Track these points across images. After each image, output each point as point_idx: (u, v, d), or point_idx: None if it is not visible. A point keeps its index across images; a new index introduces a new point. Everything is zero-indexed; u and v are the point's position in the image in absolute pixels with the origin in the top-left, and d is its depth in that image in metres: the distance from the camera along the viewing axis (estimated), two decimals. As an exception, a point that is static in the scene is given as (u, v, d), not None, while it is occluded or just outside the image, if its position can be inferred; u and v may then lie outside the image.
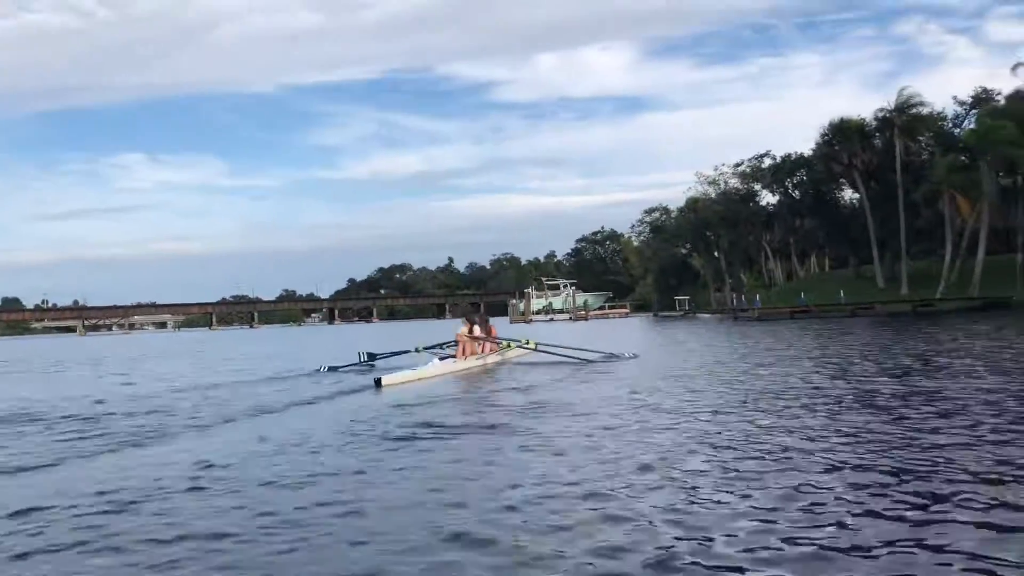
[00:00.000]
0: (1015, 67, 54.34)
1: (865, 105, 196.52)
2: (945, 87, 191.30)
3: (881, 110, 63.34)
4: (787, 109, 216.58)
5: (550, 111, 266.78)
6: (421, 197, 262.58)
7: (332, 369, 19.76)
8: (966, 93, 65.67)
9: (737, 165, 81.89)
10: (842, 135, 64.77)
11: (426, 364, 17.70)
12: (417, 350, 21.08)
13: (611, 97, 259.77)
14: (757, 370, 16.01)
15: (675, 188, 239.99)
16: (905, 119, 61.97)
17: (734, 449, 7.52)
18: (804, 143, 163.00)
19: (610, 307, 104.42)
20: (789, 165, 76.03)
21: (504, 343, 20.93)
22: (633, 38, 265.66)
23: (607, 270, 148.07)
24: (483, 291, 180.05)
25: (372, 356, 21.00)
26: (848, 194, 75.46)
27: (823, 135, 66.66)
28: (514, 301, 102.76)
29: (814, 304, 55.72)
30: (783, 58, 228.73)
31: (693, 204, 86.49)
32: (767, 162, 79.26)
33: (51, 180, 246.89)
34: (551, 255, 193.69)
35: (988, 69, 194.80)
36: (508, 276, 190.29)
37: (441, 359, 18.84)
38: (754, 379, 14.15)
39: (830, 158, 65.96)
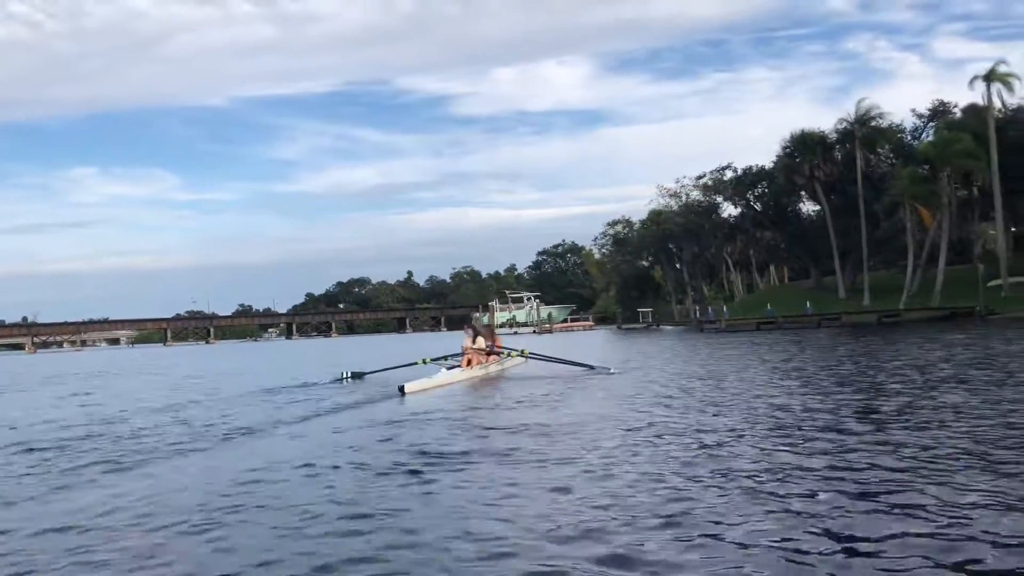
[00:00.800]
0: (972, 81, 55.16)
1: (816, 119, 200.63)
2: (895, 102, 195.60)
3: (842, 121, 64.10)
4: (741, 123, 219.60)
5: (508, 125, 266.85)
6: (379, 211, 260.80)
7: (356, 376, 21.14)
8: (922, 107, 66.92)
9: (699, 177, 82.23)
10: (803, 147, 65.31)
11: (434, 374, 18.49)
12: (424, 362, 21.59)
13: (568, 111, 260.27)
14: (753, 389, 15.59)
15: (632, 202, 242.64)
16: (865, 131, 62.68)
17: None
18: (758, 157, 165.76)
19: (573, 320, 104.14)
20: (750, 177, 76.50)
21: (506, 352, 22.02)
22: (590, 53, 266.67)
23: (569, 283, 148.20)
24: (444, 305, 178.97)
25: (358, 374, 21.52)
26: (808, 206, 76.17)
27: (784, 147, 67.22)
28: (477, 315, 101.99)
29: (781, 316, 55.83)
30: (736, 73, 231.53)
31: (656, 217, 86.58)
32: (728, 174, 79.62)
33: (1, 194, 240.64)
34: (511, 268, 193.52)
35: (936, 84, 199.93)
36: (469, 290, 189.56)
37: (448, 369, 19.65)
38: (753, 399, 13.71)
39: (792, 170, 66.42)
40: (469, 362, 20.07)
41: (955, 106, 63.51)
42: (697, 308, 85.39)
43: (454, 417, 12.28)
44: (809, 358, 22.60)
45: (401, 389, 16.31)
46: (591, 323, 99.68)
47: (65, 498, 7.42)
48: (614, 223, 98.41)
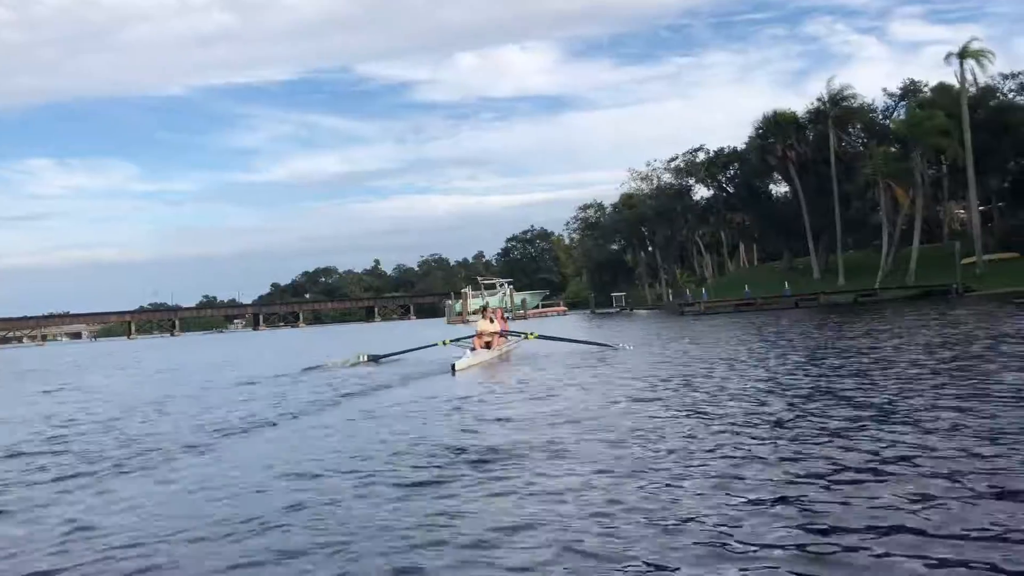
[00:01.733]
0: (947, 57, 55.14)
1: (778, 103, 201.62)
2: (855, 85, 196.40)
3: (818, 99, 63.89)
4: (704, 107, 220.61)
5: (471, 111, 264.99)
6: (343, 199, 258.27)
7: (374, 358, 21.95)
8: (881, 88, 67.10)
9: (672, 160, 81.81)
10: (776, 128, 65.01)
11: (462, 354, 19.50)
12: (444, 343, 22.86)
13: (532, 97, 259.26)
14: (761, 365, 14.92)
15: (597, 187, 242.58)
16: (838, 111, 62.50)
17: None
18: (721, 140, 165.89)
19: (545, 305, 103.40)
20: (723, 159, 76.18)
21: (524, 335, 24.07)
22: (552, 38, 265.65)
23: (538, 268, 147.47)
24: (412, 293, 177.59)
25: (374, 357, 22.28)
26: (778, 188, 76.06)
27: (757, 128, 66.92)
28: (450, 302, 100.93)
29: (760, 297, 55.56)
30: (698, 57, 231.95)
31: (627, 200, 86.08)
32: (701, 156, 79.18)
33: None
34: (479, 255, 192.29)
35: (894, 67, 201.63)
36: (437, 277, 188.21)
37: (471, 350, 20.58)
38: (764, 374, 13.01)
39: (765, 151, 66.11)
40: (488, 344, 21.13)
41: (925, 85, 63.63)
42: (670, 291, 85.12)
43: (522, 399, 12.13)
44: (825, 337, 22.06)
45: (453, 368, 17.30)
46: (564, 308, 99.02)
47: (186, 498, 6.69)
48: (586, 207, 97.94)
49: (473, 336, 21.84)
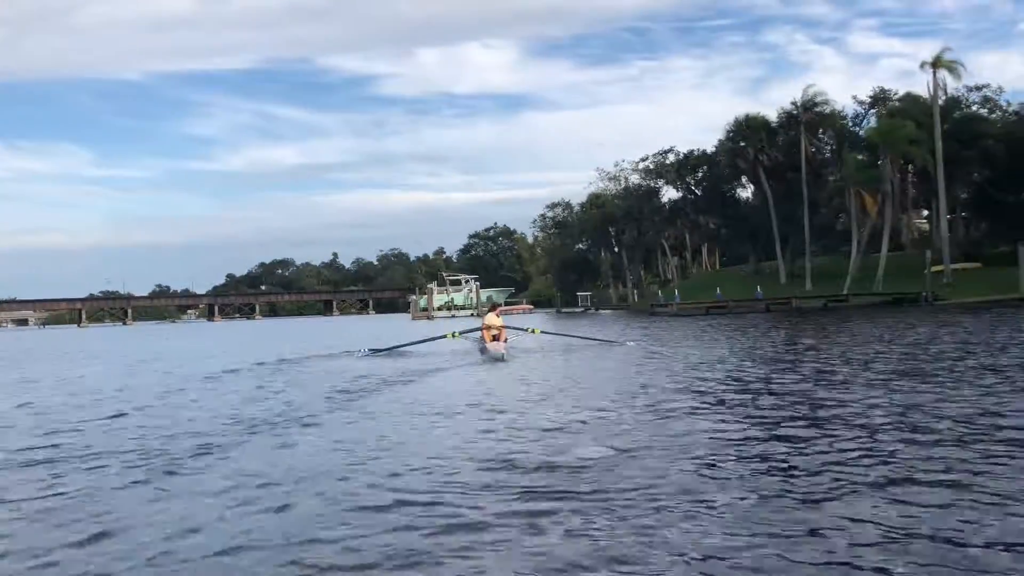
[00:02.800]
0: (922, 65, 55.48)
1: (736, 110, 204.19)
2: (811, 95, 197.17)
3: (792, 103, 64.03)
4: (664, 111, 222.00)
5: (432, 107, 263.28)
6: (301, 191, 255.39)
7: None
8: (847, 97, 67.59)
9: (642, 160, 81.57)
10: (748, 131, 65.03)
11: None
12: (454, 335, 24.46)
13: (494, 95, 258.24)
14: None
15: (558, 187, 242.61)
16: (809, 116, 62.74)
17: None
18: (683, 145, 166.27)
19: (509, 303, 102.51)
20: (692, 161, 76.12)
21: (529, 329, 25.62)
22: (514, 37, 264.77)
23: (500, 266, 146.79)
24: (371, 287, 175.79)
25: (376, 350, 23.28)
26: (745, 192, 76.22)
27: (728, 132, 66.92)
28: (413, 297, 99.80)
29: (732, 300, 55.43)
30: (660, 61, 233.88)
31: (595, 200, 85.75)
32: (671, 158, 79.04)
33: None
34: (440, 251, 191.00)
35: (850, 78, 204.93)
36: (397, 272, 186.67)
37: (477, 342, 22.58)
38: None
39: (736, 154, 66.08)
40: (495, 337, 21.83)
41: (895, 94, 64.22)
42: (636, 292, 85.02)
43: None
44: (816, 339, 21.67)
45: (502, 357, 18.96)
46: (531, 306, 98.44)
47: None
48: (553, 206, 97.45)
49: (480, 329, 22.77)
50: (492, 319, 23.01)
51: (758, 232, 70.23)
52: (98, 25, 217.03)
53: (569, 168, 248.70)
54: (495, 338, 21.95)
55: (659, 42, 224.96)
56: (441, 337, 24.44)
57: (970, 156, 58.17)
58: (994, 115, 63.41)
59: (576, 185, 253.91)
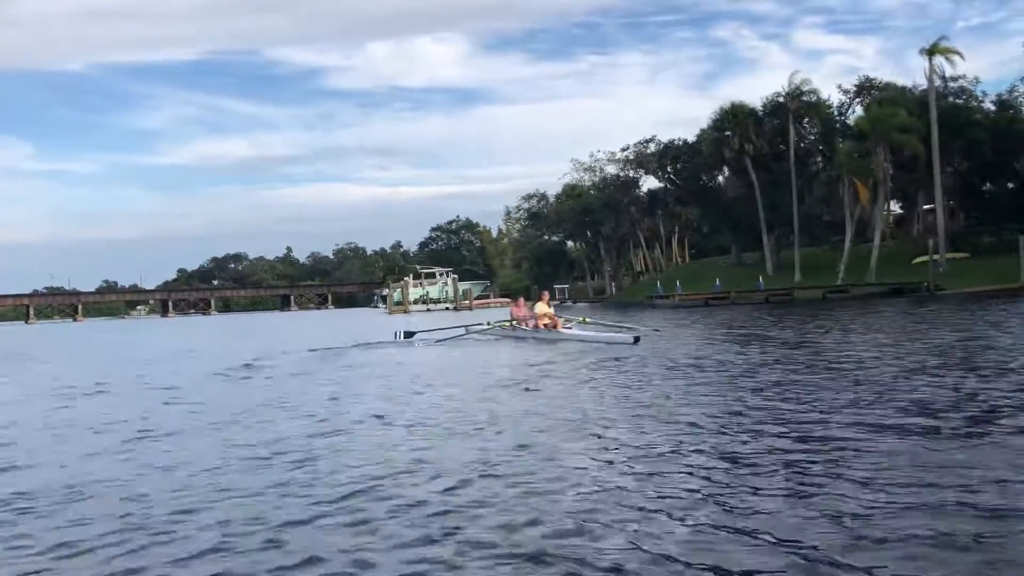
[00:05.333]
0: (922, 51, 54.86)
1: (685, 105, 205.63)
2: (760, 90, 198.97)
3: (777, 94, 63.19)
4: (615, 106, 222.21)
5: (383, 100, 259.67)
6: (251, 185, 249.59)
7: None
8: (850, 82, 66.92)
9: (624, 149, 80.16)
10: (734, 120, 63.96)
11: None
12: (489, 324, 24.78)
13: (445, 89, 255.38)
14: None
15: (511, 181, 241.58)
16: (797, 105, 61.92)
17: None
18: (632, 139, 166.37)
19: (483, 297, 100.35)
20: (673, 151, 74.95)
21: (581, 319, 25.13)
22: (465, 30, 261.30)
23: (463, 259, 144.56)
24: (329, 282, 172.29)
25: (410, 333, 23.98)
26: (726, 181, 75.16)
27: (714, 120, 65.82)
28: (387, 291, 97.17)
29: (734, 291, 54.24)
30: (610, 56, 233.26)
31: (571, 191, 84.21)
32: (652, 148, 77.79)
33: None
34: (397, 245, 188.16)
35: (798, 74, 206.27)
36: (354, 266, 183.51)
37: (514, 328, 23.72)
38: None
39: (721, 143, 64.97)
40: (547, 325, 22.45)
41: (881, 82, 63.71)
42: (613, 284, 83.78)
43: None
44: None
45: (637, 340, 18.64)
46: (509, 300, 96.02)
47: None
48: (529, 197, 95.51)
49: (508, 322, 24.23)
50: (542, 308, 23.47)
51: (741, 223, 69.34)
52: (38, 15, 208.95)
53: (522, 162, 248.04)
54: (547, 326, 22.47)
55: (609, 37, 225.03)
56: (477, 325, 24.92)
57: (956, 146, 57.98)
58: (971, 105, 63.22)
59: (530, 179, 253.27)
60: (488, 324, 25.07)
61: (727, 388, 10.48)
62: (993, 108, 62.27)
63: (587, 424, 8.16)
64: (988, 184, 62.22)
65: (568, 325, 23.16)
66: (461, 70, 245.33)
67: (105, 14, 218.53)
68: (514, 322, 24.38)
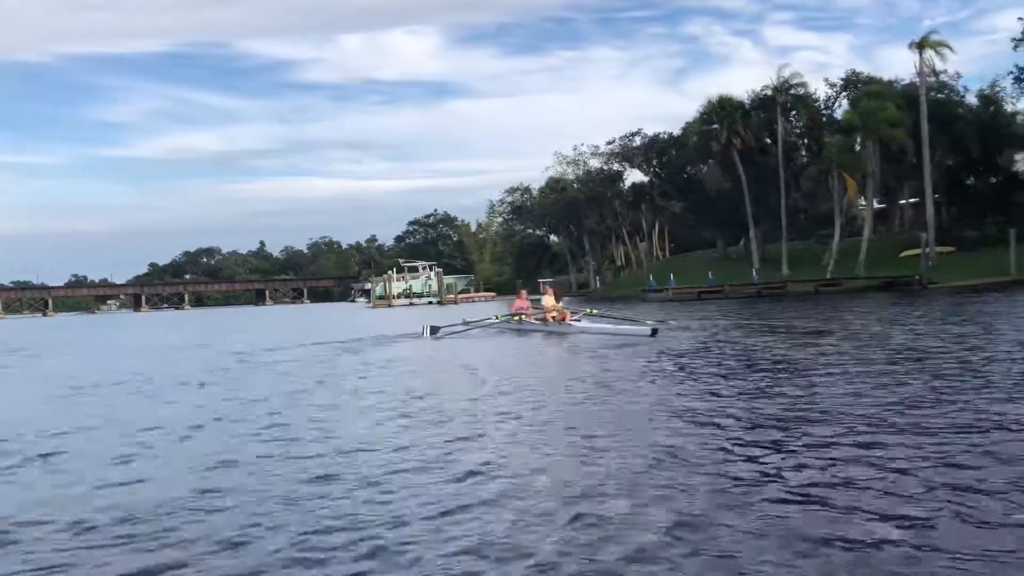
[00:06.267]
0: (912, 44, 54.92)
1: (657, 101, 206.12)
2: (730, 86, 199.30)
3: (765, 87, 62.98)
4: (587, 101, 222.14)
5: (356, 93, 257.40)
6: (222, 178, 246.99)
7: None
8: (835, 76, 66.90)
9: (609, 143, 79.63)
10: (721, 113, 63.66)
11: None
12: (497, 318, 24.95)
13: (418, 82, 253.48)
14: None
15: (484, 175, 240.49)
16: (785, 98, 61.77)
17: None
18: (603, 135, 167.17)
19: (461, 292, 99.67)
20: (659, 144, 74.56)
21: (588, 311, 25.33)
22: (438, 24, 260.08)
23: (440, 254, 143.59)
24: (305, 276, 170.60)
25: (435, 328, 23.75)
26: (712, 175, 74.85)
27: (702, 113, 65.52)
28: (369, 285, 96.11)
29: (728, 285, 53.94)
30: (582, 51, 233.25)
31: (555, 184, 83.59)
32: (637, 141, 77.36)
33: None
34: (372, 239, 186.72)
35: (767, 71, 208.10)
36: (329, 260, 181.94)
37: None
38: None
39: (709, 137, 64.66)
40: (555, 318, 22.55)
41: (867, 76, 63.74)
42: (597, 278, 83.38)
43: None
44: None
45: (655, 332, 18.60)
46: (493, 293, 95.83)
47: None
48: (512, 190, 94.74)
49: (513, 315, 23.93)
50: (549, 301, 23.54)
51: (727, 216, 69.15)
52: (5, 5, 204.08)
53: (495, 156, 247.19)
54: (555, 319, 22.54)
55: (582, 32, 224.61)
56: (487, 319, 25.11)
57: (942, 140, 58.13)
58: (954, 99, 63.46)
59: (502, 174, 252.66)
60: (496, 318, 25.00)
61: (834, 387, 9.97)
62: (976, 103, 62.51)
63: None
64: (972, 179, 62.29)
65: (576, 318, 22.86)
66: (434, 64, 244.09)
67: (73, 5, 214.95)
68: (521, 315, 24.00)
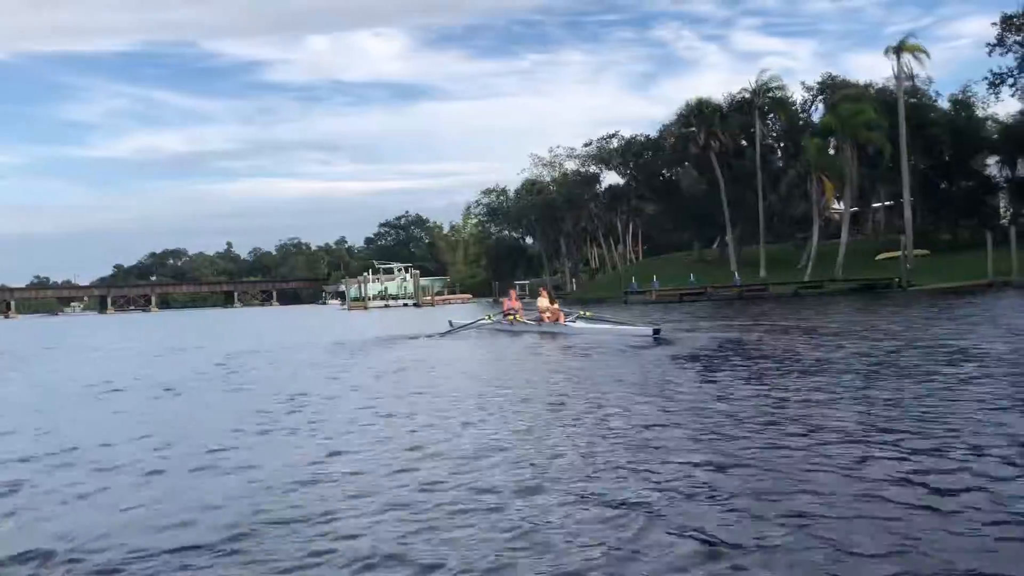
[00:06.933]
0: (887, 51, 55.38)
1: (625, 105, 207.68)
2: (698, 91, 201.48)
3: (744, 89, 63.24)
4: (556, 104, 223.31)
5: (324, 94, 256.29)
6: (188, 179, 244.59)
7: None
8: (812, 80, 67.34)
9: (586, 145, 79.65)
10: (699, 116, 63.82)
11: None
12: (489, 317, 24.88)
13: (386, 84, 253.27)
14: None
15: (453, 177, 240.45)
16: (763, 101, 62.07)
17: None
18: (572, 138, 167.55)
19: (437, 293, 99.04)
20: (636, 146, 74.62)
21: (582, 312, 24.80)
22: (406, 25, 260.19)
23: (412, 256, 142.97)
24: (275, 278, 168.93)
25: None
26: (688, 179, 75.08)
27: (680, 116, 65.65)
28: (343, 287, 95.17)
29: (710, 286, 53.93)
30: (552, 55, 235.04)
31: (530, 187, 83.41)
32: (615, 143, 77.37)
33: None
34: (342, 240, 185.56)
35: (734, 75, 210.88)
36: (298, 262, 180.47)
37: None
38: None
39: (687, 139, 64.80)
40: (548, 319, 22.44)
41: (842, 80, 64.22)
42: (574, 281, 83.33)
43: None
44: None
45: (657, 332, 18.05)
46: (469, 295, 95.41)
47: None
48: (489, 192, 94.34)
49: (504, 313, 23.94)
50: (543, 303, 23.30)
51: (703, 219, 69.37)
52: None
53: (463, 158, 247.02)
54: (550, 319, 22.40)
55: (551, 35, 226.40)
56: (481, 319, 25.15)
57: (916, 144, 58.71)
58: (925, 103, 64.13)
59: (471, 176, 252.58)
60: (488, 318, 24.86)
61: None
62: (948, 107, 63.22)
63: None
64: (945, 183, 62.99)
65: (570, 319, 22.59)
66: (402, 65, 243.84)
67: (35, 2, 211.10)
68: (514, 316, 23.74)
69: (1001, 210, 65.21)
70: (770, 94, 62.34)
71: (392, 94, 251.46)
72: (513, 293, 25.90)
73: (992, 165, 63.95)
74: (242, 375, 14.62)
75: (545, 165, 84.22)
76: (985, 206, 63.46)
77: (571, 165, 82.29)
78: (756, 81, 62.43)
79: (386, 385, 12.05)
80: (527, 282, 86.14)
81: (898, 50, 54.78)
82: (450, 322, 25.56)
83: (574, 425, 7.78)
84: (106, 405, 11.33)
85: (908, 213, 55.48)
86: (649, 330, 18.56)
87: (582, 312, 23.79)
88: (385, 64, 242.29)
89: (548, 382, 11.49)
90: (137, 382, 14.39)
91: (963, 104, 62.83)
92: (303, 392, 11.26)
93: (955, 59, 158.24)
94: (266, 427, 8.42)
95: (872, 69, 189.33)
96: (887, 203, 69.88)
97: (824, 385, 9.66)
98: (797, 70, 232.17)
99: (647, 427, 7.44)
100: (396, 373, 13.99)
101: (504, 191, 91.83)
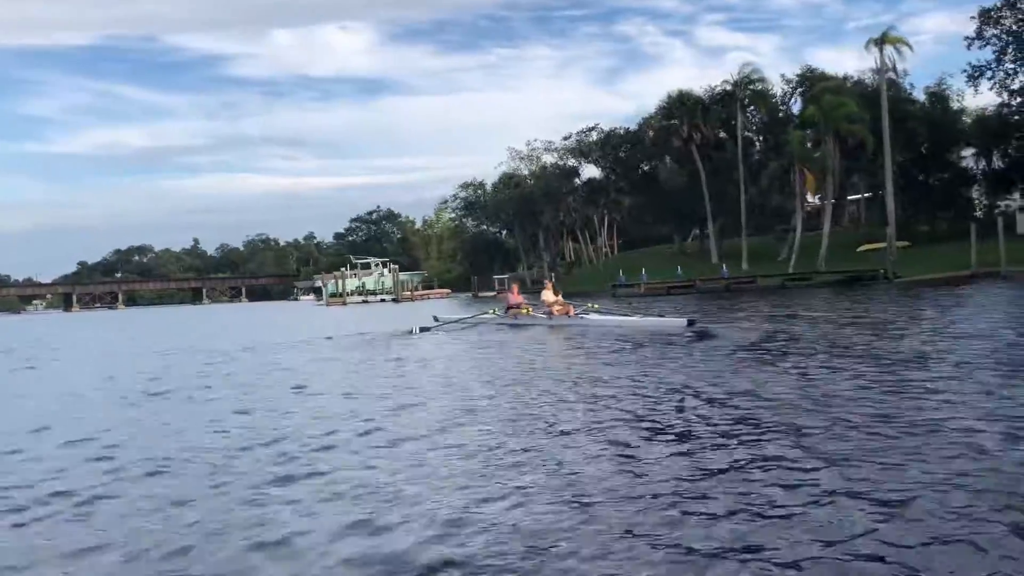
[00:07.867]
0: (868, 44, 55.53)
1: (591, 99, 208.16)
2: (662, 85, 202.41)
3: (726, 82, 63.20)
4: (523, 99, 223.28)
5: (288, 89, 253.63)
6: (151, 175, 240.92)
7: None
8: (792, 72, 67.47)
9: (566, 138, 79.20)
10: (682, 108, 63.65)
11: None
12: (494, 312, 24.73)
13: (352, 79, 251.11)
14: None
15: (419, 172, 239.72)
16: (744, 94, 62.03)
17: None
18: (540, 132, 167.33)
19: (416, 288, 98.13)
20: (616, 139, 74.34)
21: (590, 305, 24.52)
22: (372, 19, 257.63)
23: (384, 251, 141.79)
24: (241, 274, 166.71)
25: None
26: (667, 171, 74.94)
27: (662, 108, 65.44)
28: (319, 283, 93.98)
29: (698, 278, 53.73)
30: (519, 49, 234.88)
31: (508, 180, 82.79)
32: (594, 136, 77.05)
33: None
34: (310, 236, 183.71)
35: (699, 70, 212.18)
36: (266, 258, 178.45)
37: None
38: None
39: (669, 132, 64.62)
40: (559, 312, 22.23)
41: (821, 72, 64.37)
42: (552, 275, 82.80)
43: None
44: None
45: (691, 323, 17.56)
46: (447, 290, 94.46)
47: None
48: (466, 185, 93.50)
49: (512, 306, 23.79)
50: (549, 296, 22.94)
51: (684, 212, 69.29)
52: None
53: (430, 153, 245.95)
54: (559, 312, 22.12)
55: (517, 30, 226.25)
56: (485, 312, 25.12)
57: (896, 137, 59.02)
58: (903, 96, 64.53)
59: (438, 171, 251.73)
60: (493, 312, 24.70)
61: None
62: (924, 100, 63.62)
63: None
64: (923, 175, 63.42)
65: (580, 311, 22.22)
66: (368, 60, 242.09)
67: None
68: (522, 309, 23.55)
69: (975, 202, 65.83)
70: (751, 87, 62.27)
71: (358, 89, 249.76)
72: (515, 287, 25.99)
73: (968, 157, 64.50)
74: (307, 377, 13.64)
75: (523, 159, 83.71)
76: (961, 198, 64.04)
77: (549, 159, 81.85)
78: (738, 73, 62.37)
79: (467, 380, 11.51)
80: (505, 276, 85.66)
81: (880, 42, 54.91)
82: (435, 317, 25.20)
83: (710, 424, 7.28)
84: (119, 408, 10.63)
85: (891, 205, 55.69)
86: (683, 321, 17.96)
87: (590, 305, 23.41)
88: (351, 59, 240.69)
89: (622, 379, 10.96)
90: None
91: (939, 97, 63.26)
92: (387, 394, 10.55)
93: (917, 54, 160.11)
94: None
95: (836, 63, 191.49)
96: (867, 195, 70.27)
97: (933, 380, 9.22)
98: (762, 65, 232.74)
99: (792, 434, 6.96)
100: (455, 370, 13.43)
101: (482, 185, 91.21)
